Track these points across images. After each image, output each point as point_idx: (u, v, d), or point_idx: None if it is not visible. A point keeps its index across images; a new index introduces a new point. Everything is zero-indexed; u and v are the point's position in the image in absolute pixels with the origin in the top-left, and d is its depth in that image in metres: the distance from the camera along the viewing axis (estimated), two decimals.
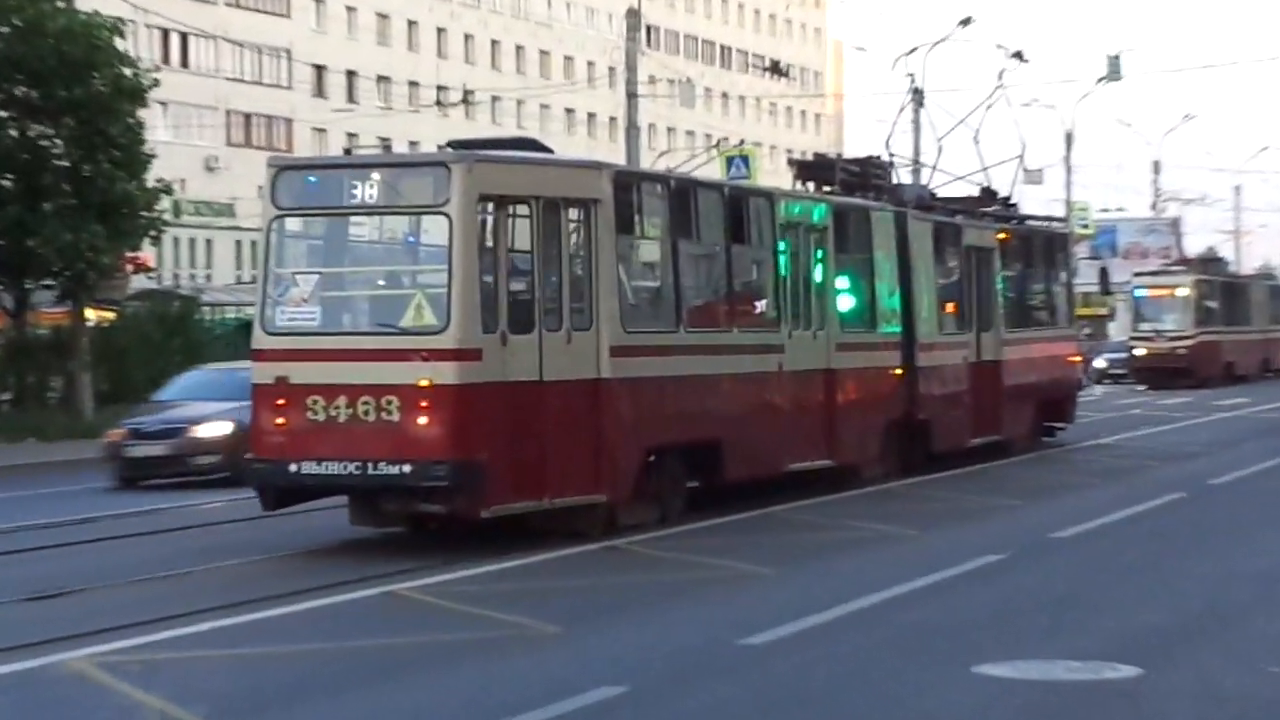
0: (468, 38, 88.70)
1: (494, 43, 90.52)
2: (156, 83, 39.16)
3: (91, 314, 40.67)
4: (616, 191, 18.23)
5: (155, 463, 25.95)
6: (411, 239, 18.00)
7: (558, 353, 17.40)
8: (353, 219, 17.87)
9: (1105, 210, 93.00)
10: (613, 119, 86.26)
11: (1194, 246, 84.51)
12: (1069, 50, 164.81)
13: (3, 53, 36.59)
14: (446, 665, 11.55)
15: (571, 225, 17.94)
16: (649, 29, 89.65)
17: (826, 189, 24.97)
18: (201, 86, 72.43)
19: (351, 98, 79.81)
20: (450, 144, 19.25)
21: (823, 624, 12.70)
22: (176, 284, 60.46)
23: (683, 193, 19.83)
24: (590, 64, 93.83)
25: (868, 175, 26.06)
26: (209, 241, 72.83)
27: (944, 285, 26.52)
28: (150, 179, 38.49)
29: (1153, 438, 32.93)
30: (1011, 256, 29.05)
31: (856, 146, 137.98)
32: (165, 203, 39.77)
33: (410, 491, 16.78)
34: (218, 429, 25.55)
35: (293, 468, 16.89)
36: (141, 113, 38.93)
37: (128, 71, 38.07)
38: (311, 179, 17.93)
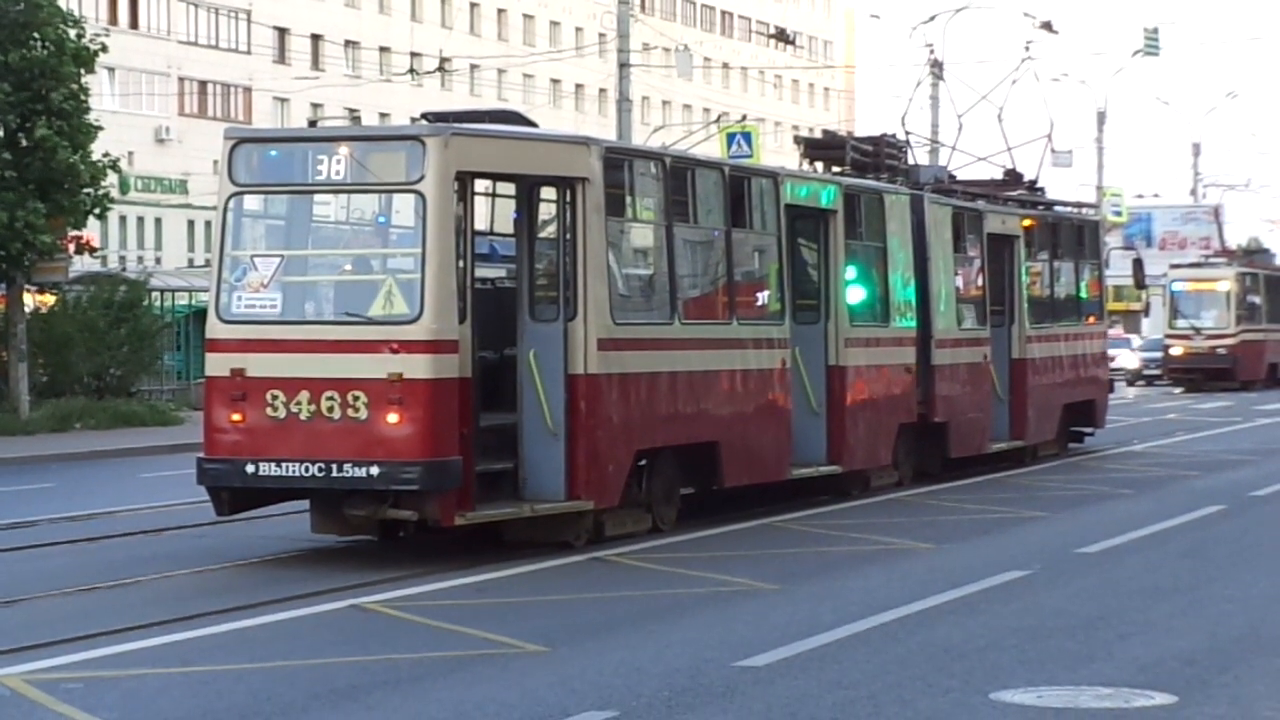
0: (444, 0, 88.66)
1: (473, 6, 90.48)
2: (104, 46, 39.12)
3: (29, 298, 40.65)
4: (606, 170, 18.25)
5: None
6: (382, 220, 18.01)
7: None
8: (317, 197, 17.87)
9: (1140, 196, 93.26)
10: (603, 90, 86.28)
11: (1236, 236, 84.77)
12: (1102, 21, 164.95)
13: None
14: (417, 686, 11.57)
15: (557, 206, 17.98)
16: None
17: (836, 169, 25.02)
18: (152, 50, 72.37)
19: (317, 64, 79.72)
20: (425, 116, 19.24)
21: (828, 645, 12.73)
22: (123, 266, 60.31)
23: (679, 172, 19.85)
24: (578, 30, 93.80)
25: (881, 155, 26.11)
26: (159, 220, 72.77)
27: (963, 276, 26.57)
28: (96, 151, 38.46)
29: (1189, 445, 33.00)
30: (1037, 245, 29.12)
31: (869, 123, 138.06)
32: (112, 177, 39.73)
33: (378, 495, 16.79)
34: None
35: (250, 469, 16.89)
36: (87, 79, 38.89)
37: (72, 33, 38.05)
38: (272, 153, 17.93)
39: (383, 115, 77.32)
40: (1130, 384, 61.99)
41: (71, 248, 39.85)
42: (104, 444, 34.57)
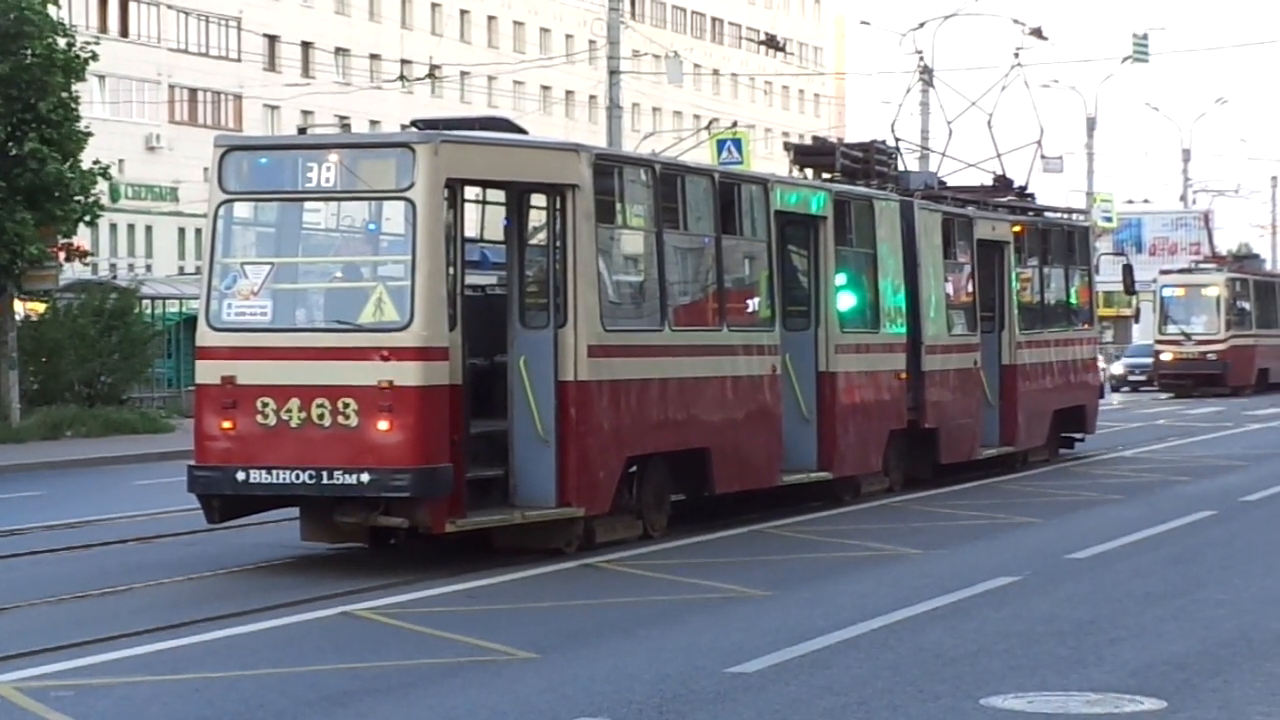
0: (434, 7, 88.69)
1: (463, 13, 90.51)
2: (94, 55, 39.08)
3: (20, 306, 40.59)
4: (596, 177, 18.26)
5: None
6: (372, 227, 17.98)
7: None
8: (307, 205, 17.86)
9: (1130, 202, 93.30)
10: (593, 97, 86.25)
11: (1226, 242, 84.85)
12: (1092, 27, 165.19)
13: None
14: (408, 693, 11.57)
15: (547, 213, 17.98)
16: None
17: (826, 176, 25.02)
18: (142, 58, 72.33)
19: (307, 71, 79.73)
20: (415, 123, 19.27)
21: (819, 651, 12.73)
22: (113, 274, 60.34)
23: (669, 179, 19.86)
24: (569, 37, 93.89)
25: (871, 161, 26.12)
26: (149, 228, 72.75)
27: (953, 282, 26.59)
28: (86, 160, 38.41)
29: (1179, 450, 33.02)
30: (1027, 251, 29.15)
31: (859, 130, 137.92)
32: (102, 186, 39.69)
33: (369, 502, 16.78)
34: None
35: (240, 476, 16.88)
36: (77, 87, 38.84)
37: (62, 42, 37.99)
38: (262, 160, 17.91)
39: (373, 122, 77.34)
40: (1114, 390, 61.91)
41: (63, 255, 39.80)
42: (95, 452, 34.54)
